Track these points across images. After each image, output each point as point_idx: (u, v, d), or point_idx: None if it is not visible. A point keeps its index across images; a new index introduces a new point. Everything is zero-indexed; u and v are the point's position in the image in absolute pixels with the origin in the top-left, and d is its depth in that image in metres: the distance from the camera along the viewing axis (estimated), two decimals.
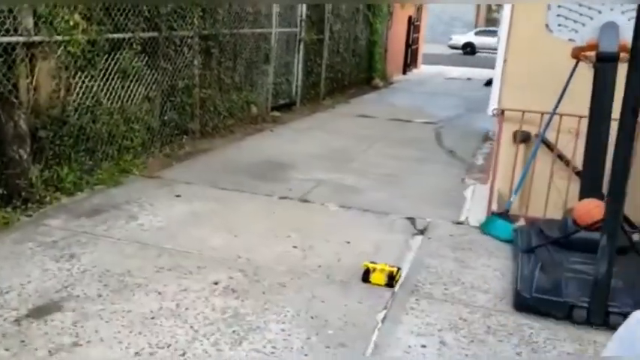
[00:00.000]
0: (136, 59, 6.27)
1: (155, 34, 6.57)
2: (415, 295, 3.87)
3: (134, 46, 6.23)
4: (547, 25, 4.57)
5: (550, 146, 5.29)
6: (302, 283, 3.94)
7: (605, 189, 4.48)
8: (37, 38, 5.09)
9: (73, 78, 5.57)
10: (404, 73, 19.78)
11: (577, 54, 4.68)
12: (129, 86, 6.27)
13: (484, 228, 5.10)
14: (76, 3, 5.42)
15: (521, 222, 5.06)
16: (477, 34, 35.73)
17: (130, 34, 6.15)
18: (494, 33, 35.79)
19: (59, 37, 5.28)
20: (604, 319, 3.52)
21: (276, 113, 10.00)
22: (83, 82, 5.67)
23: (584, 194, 4.46)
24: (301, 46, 10.90)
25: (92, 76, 5.76)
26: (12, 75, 4.93)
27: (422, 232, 5.05)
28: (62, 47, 5.35)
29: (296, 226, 5.01)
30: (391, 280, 3.96)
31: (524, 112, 5.17)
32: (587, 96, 4.54)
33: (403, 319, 3.55)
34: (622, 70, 4.33)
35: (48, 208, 5.00)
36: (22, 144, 4.95)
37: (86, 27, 5.54)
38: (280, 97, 10.39)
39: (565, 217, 4.59)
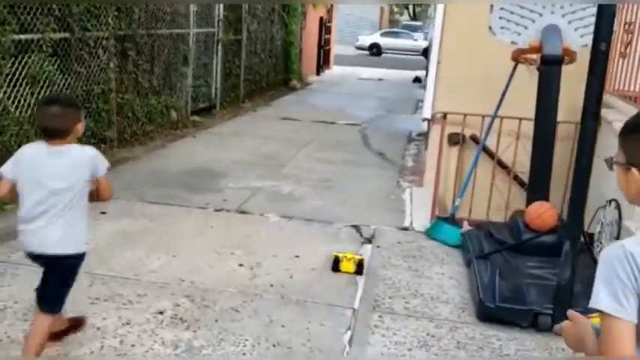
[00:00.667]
0: (46, 63, 5.68)
1: (67, 35, 5.99)
2: (377, 312, 3.68)
3: (44, 48, 5.63)
4: (490, 27, 4.53)
5: (490, 154, 5.29)
6: (256, 306, 3.65)
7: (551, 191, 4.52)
8: None
9: None
10: (317, 74, 19.71)
11: (517, 56, 4.69)
12: (39, 92, 5.66)
13: (430, 233, 5.01)
14: None
15: (466, 226, 5.02)
16: (382, 35, 36.34)
17: (39, 35, 5.55)
18: (399, 34, 36.77)
19: None
20: None
21: (197, 118, 9.54)
22: None
23: (532, 197, 4.46)
24: (219, 47, 10.49)
25: None
26: None
27: (369, 240, 4.88)
28: None
29: (238, 241, 4.69)
30: (360, 268, 4.16)
31: (465, 115, 5.13)
32: (526, 98, 4.56)
33: (370, 340, 3.35)
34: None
35: None
36: None
37: None
38: (200, 100, 9.93)
39: (514, 219, 4.59)
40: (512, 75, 4.84)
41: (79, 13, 6.08)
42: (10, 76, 5.29)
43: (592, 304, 1.37)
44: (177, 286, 3.84)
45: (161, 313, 3.47)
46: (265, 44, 13.35)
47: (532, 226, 4.18)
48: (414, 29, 38.41)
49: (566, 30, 4.34)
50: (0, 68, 5.16)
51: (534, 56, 4.52)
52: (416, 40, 34.88)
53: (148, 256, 4.27)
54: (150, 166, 6.83)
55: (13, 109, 5.35)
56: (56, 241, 2.69)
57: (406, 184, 6.70)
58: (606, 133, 4.35)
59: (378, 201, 6.05)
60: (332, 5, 21.22)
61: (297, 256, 4.43)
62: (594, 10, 4.26)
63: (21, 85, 5.42)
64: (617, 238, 3.90)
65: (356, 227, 5.14)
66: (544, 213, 4.16)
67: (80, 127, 2.77)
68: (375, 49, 34.60)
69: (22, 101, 5.47)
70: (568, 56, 4.34)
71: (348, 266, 4.17)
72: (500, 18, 4.50)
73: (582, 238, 3.84)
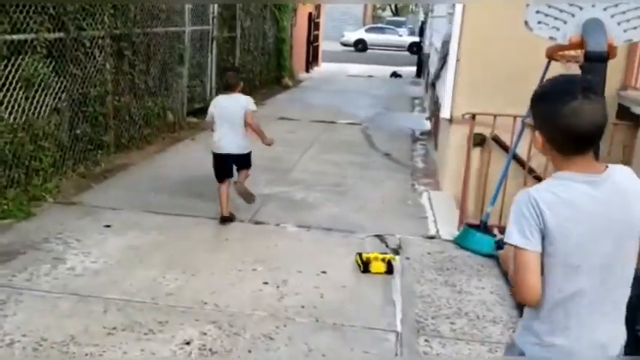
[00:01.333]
0: (41, 65, 5.26)
1: (62, 34, 5.57)
2: (422, 335, 3.37)
3: (38, 49, 5.21)
4: (526, 23, 4.22)
5: (518, 159, 5.02)
6: (290, 332, 3.32)
7: None
8: None
9: None
10: (307, 71, 19.36)
11: (552, 53, 4.40)
12: (34, 97, 5.25)
13: (461, 242, 4.71)
14: None
15: (499, 234, 4.72)
16: (367, 30, 36.03)
17: (32, 35, 5.13)
18: (384, 30, 36.49)
19: None
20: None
21: (193, 119, 9.13)
22: None
23: None
24: (214, 45, 10.09)
25: None
26: None
27: (396, 251, 4.56)
28: None
29: (257, 255, 4.35)
30: (390, 267, 4.08)
31: (495, 116, 4.84)
32: None
33: None
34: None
35: None
36: None
37: None
38: (195, 101, 9.52)
39: None
40: (545, 72, 4.55)
41: (74, 12, 5.66)
42: (2, 80, 4.88)
43: (505, 240, 1.68)
44: (200, 310, 3.49)
45: (187, 343, 3.13)
46: (258, 41, 12.98)
47: None
48: (399, 25, 38.18)
49: (608, 24, 4.05)
50: None
51: (573, 52, 4.23)
52: (401, 35, 34.65)
53: (163, 275, 3.92)
54: (151, 172, 6.44)
55: (6, 115, 4.93)
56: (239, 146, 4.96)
57: (422, 188, 6.39)
58: None
59: (395, 206, 5.74)
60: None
61: (324, 272, 4.10)
62: (638, 3, 4.02)
63: (14, 89, 5.00)
64: None
65: (380, 237, 4.82)
66: None
67: (241, 85, 5.02)
68: (360, 45, 34.30)
69: (16, 106, 5.05)
70: (610, 52, 4.05)
71: (378, 266, 4.08)
72: (538, 12, 4.19)
73: None
